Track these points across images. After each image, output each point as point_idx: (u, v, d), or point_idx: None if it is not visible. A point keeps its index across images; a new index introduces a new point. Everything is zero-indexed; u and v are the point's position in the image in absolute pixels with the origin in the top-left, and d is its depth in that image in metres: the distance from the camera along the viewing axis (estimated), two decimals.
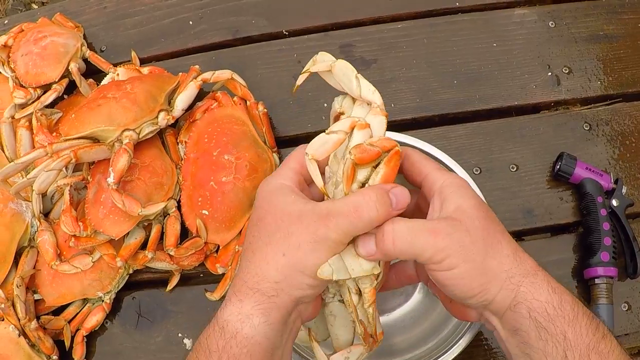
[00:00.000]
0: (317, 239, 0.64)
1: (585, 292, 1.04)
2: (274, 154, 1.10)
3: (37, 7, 2.11)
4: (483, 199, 0.74)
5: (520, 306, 0.65)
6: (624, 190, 1.07)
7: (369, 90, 0.71)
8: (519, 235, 1.10)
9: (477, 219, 0.67)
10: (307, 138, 1.12)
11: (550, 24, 1.20)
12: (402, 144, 0.93)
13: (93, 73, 1.20)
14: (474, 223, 0.66)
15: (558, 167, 1.08)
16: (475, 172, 1.10)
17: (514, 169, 1.11)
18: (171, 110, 1.07)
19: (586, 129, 1.13)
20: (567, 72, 1.17)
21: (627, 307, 1.05)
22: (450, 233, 0.65)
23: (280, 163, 1.08)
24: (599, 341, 0.64)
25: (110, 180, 0.96)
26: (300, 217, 0.66)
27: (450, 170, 0.94)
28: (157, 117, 1.04)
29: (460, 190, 0.69)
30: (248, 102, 1.12)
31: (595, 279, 1.02)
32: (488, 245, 0.66)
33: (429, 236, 0.65)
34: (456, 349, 0.89)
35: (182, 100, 1.08)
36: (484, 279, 0.65)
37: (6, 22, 1.32)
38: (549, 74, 1.17)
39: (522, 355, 0.67)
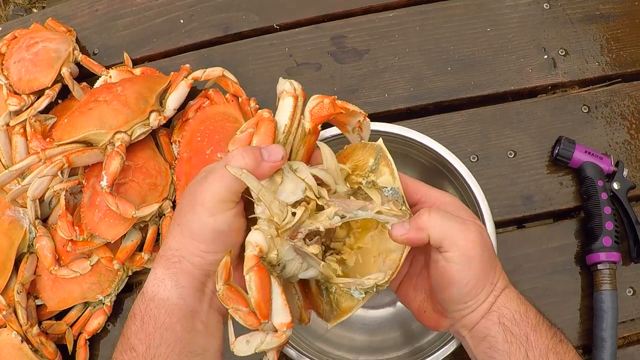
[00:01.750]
0: (194, 202, 0.67)
1: (589, 278, 1.03)
2: None
3: (37, 11, 2.12)
4: None
5: (493, 314, 0.72)
6: (625, 173, 1.05)
7: (282, 83, 0.75)
8: (519, 223, 1.09)
9: (483, 234, 0.72)
10: None
11: (544, 6, 1.18)
12: (395, 134, 0.94)
13: (86, 76, 1.20)
14: (484, 237, 0.72)
15: (557, 151, 1.06)
16: (473, 160, 1.09)
17: (512, 155, 1.09)
18: (163, 111, 1.06)
19: (585, 111, 1.12)
20: (563, 54, 1.15)
21: (632, 292, 1.04)
22: (479, 231, 0.71)
23: None
24: (556, 344, 0.71)
25: (104, 183, 0.96)
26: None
27: None
28: (148, 118, 1.04)
29: (462, 210, 0.74)
30: (240, 99, 1.11)
31: (598, 265, 1.01)
32: (493, 257, 0.73)
33: (461, 224, 0.70)
34: (452, 345, 0.88)
35: (173, 100, 1.07)
36: (481, 285, 0.71)
37: (0, 29, 1.32)
38: (545, 57, 1.15)
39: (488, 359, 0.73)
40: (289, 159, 0.72)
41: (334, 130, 0.94)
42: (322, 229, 0.67)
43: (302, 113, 0.73)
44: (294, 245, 0.67)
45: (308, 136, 0.73)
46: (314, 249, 0.67)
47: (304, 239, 0.68)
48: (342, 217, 0.69)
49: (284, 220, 0.66)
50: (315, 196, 0.69)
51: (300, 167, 0.70)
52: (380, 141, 0.76)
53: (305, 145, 0.73)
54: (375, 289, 0.72)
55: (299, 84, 0.74)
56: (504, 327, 0.71)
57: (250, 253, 0.66)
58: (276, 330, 0.65)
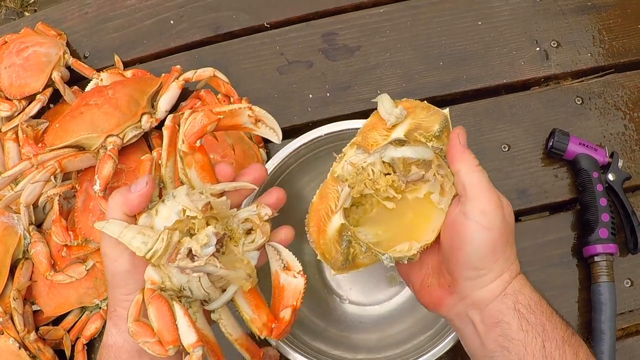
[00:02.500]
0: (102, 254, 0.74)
1: (586, 270, 1.03)
2: (260, 150, 1.09)
3: (29, 14, 2.12)
4: None
5: (508, 297, 0.70)
6: (620, 164, 1.05)
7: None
8: (515, 216, 1.07)
9: (508, 210, 0.73)
10: (293, 131, 1.12)
11: None
12: None
13: (77, 80, 1.20)
14: (508, 212, 0.72)
15: (551, 144, 1.06)
16: None
17: (506, 149, 1.09)
18: (154, 113, 1.06)
19: (578, 103, 1.11)
20: (555, 46, 1.14)
21: (629, 284, 1.04)
22: (507, 204, 0.73)
23: (267, 158, 1.08)
24: (570, 336, 0.70)
25: (96, 187, 0.95)
26: None
27: None
28: (140, 120, 1.03)
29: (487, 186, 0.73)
30: (232, 99, 1.11)
31: (595, 257, 1.01)
32: (512, 234, 0.72)
33: (493, 190, 0.71)
34: (449, 343, 0.88)
35: (165, 102, 1.07)
36: (498, 254, 0.70)
37: None
38: (537, 49, 1.14)
39: (499, 350, 0.70)
40: (182, 184, 0.74)
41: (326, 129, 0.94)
42: (196, 247, 0.68)
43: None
44: (177, 266, 0.68)
45: (192, 156, 0.73)
46: (200, 261, 0.67)
47: (192, 257, 0.68)
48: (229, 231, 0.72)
49: (149, 250, 0.67)
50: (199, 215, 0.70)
51: (178, 192, 0.71)
52: (447, 110, 0.77)
53: (198, 165, 0.74)
54: (406, 260, 0.75)
55: (180, 117, 0.74)
56: (520, 314, 0.69)
57: (146, 287, 0.69)
58: (187, 353, 0.67)
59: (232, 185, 0.75)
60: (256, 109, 0.77)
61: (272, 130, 0.79)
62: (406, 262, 0.75)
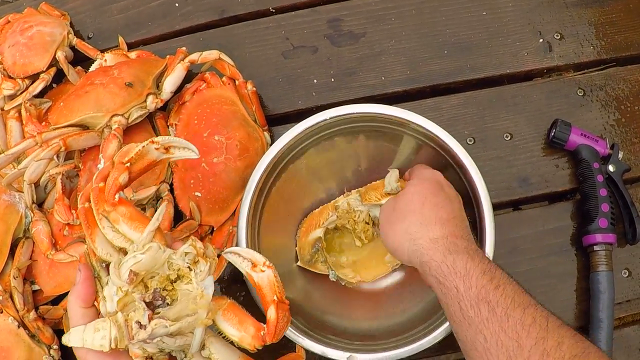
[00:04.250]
0: None
1: (585, 259, 1.04)
2: (264, 133, 1.10)
3: None
4: (453, 193, 0.91)
5: (425, 265, 0.80)
6: (620, 156, 1.06)
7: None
8: (515, 205, 1.09)
9: (412, 194, 0.88)
10: (297, 115, 1.12)
11: None
12: (392, 116, 0.94)
13: (81, 60, 1.19)
14: (405, 198, 0.89)
15: (552, 134, 1.07)
16: (469, 143, 1.09)
17: (508, 138, 1.10)
18: (159, 94, 1.06)
19: (580, 94, 1.12)
20: (558, 38, 1.15)
21: (627, 274, 1.05)
22: (391, 199, 0.93)
23: (271, 141, 1.08)
24: (489, 292, 0.72)
25: (101, 166, 0.95)
26: None
27: None
28: (145, 101, 1.03)
29: (418, 178, 0.92)
30: (237, 82, 1.11)
31: (594, 246, 1.01)
32: (404, 214, 0.87)
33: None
34: (441, 333, 0.89)
35: (170, 83, 1.07)
36: (396, 239, 0.86)
37: None
38: (540, 40, 1.15)
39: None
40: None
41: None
42: (140, 319, 0.69)
43: None
44: (137, 342, 0.69)
45: (116, 212, 0.75)
46: (147, 330, 0.69)
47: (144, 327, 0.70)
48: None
49: (111, 342, 0.69)
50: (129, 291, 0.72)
51: (111, 272, 0.72)
52: None
53: (126, 217, 0.75)
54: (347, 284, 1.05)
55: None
56: (436, 280, 0.77)
57: None
58: None
59: (154, 219, 0.74)
60: (158, 138, 0.80)
61: (185, 150, 0.82)
62: (347, 285, 1.05)
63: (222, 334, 0.76)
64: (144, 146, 0.77)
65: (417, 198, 0.86)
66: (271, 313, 0.74)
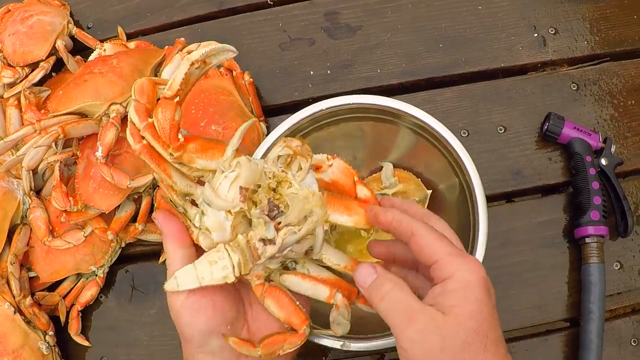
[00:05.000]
0: None
1: (577, 251, 1.05)
2: (261, 123, 1.10)
3: None
4: (492, 298, 0.65)
5: None
6: (612, 149, 1.07)
7: None
8: (508, 197, 1.10)
9: (464, 327, 0.61)
10: (294, 106, 1.14)
11: None
12: (387, 107, 0.95)
13: (80, 50, 1.20)
14: (457, 330, 0.61)
15: (546, 127, 1.08)
16: (463, 135, 1.10)
17: (502, 131, 1.11)
18: None
19: (574, 89, 1.13)
20: (553, 32, 1.16)
21: (619, 266, 1.05)
22: (426, 331, 0.61)
23: (267, 132, 1.09)
24: None
25: (99, 154, 0.96)
26: None
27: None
28: None
29: (465, 291, 0.63)
30: (234, 73, 1.12)
31: (586, 238, 1.02)
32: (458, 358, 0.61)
33: (406, 319, 0.62)
34: None
35: (168, 73, 1.07)
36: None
37: None
38: (535, 35, 1.16)
39: None
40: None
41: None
42: (264, 234, 0.66)
43: None
44: (265, 260, 0.67)
45: (186, 154, 0.69)
46: (276, 244, 0.66)
47: (268, 242, 0.67)
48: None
49: (234, 269, 0.66)
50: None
51: (208, 198, 0.68)
52: (429, 192, 1.00)
53: (198, 151, 0.70)
54: None
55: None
56: None
57: (253, 285, 0.70)
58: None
59: (237, 137, 0.69)
60: (194, 56, 0.70)
61: (222, 53, 0.74)
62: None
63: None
64: (185, 73, 0.70)
65: (478, 339, 0.61)
66: (362, 191, 0.73)
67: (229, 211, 0.66)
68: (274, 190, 0.68)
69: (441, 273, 0.64)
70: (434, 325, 0.61)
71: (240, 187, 0.66)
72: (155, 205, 0.74)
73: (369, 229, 0.73)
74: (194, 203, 0.72)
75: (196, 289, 0.67)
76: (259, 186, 0.68)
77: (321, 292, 0.70)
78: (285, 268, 0.72)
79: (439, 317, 0.61)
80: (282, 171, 0.69)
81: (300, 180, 0.69)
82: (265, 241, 0.66)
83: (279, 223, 0.66)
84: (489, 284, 0.64)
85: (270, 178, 0.69)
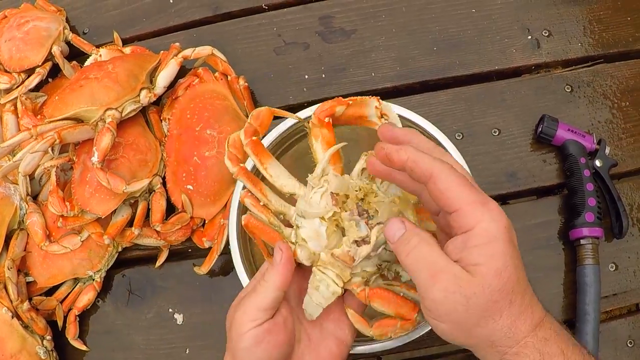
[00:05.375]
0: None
1: (572, 253, 1.05)
2: None
3: None
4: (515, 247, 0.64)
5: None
6: (607, 151, 1.07)
7: None
8: (503, 199, 1.10)
9: (489, 286, 0.59)
10: (288, 110, 1.11)
11: None
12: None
13: (76, 55, 1.21)
14: (482, 290, 0.59)
15: (540, 129, 1.08)
16: (458, 138, 1.10)
17: (496, 133, 1.11)
18: (153, 88, 1.08)
19: (568, 91, 1.13)
20: (546, 35, 1.16)
21: (614, 268, 1.05)
22: (449, 290, 0.60)
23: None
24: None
25: (95, 159, 0.97)
26: None
27: None
28: (139, 95, 1.05)
29: (490, 247, 0.60)
30: (229, 77, 1.13)
31: (581, 240, 1.02)
32: (483, 317, 0.60)
33: (429, 277, 0.61)
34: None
35: (163, 78, 1.08)
36: (468, 340, 0.63)
37: None
38: (529, 37, 1.16)
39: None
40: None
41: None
42: (355, 236, 0.70)
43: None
44: (361, 261, 0.71)
45: (319, 129, 0.79)
46: (370, 243, 0.70)
47: (360, 243, 0.71)
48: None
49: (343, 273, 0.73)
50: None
51: (302, 209, 0.74)
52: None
53: (324, 139, 0.79)
54: None
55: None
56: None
57: (356, 292, 0.74)
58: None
59: (326, 158, 0.76)
60: (383, 103, 0.80)
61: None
62: None
63: None
64: (369, 98, 0.80)
65: (503, 295, 0.60)
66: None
67: (323, 218, 0.72)
68: (361, 200, 0.72)
69: (463, 223, 0.61)
70: (457, 284, 0.60)
71: (331, 193, 0.72)
72: (243, 225, 0.78)
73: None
74: (287, 225, 0.78)
75: (264, 324, 0.71)
76: (347, 196, 0.73)
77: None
78: (382, 276, 0.76)
79: (464, 277, 0.60)
80: (367, 183, 0.73)
81: (385, 190, 0.73)
82: (358, 242, 0.70)
83: (370, 223, 0.71)
84: (512, 232, 0.62)
85: (357, 191, 0.72)
